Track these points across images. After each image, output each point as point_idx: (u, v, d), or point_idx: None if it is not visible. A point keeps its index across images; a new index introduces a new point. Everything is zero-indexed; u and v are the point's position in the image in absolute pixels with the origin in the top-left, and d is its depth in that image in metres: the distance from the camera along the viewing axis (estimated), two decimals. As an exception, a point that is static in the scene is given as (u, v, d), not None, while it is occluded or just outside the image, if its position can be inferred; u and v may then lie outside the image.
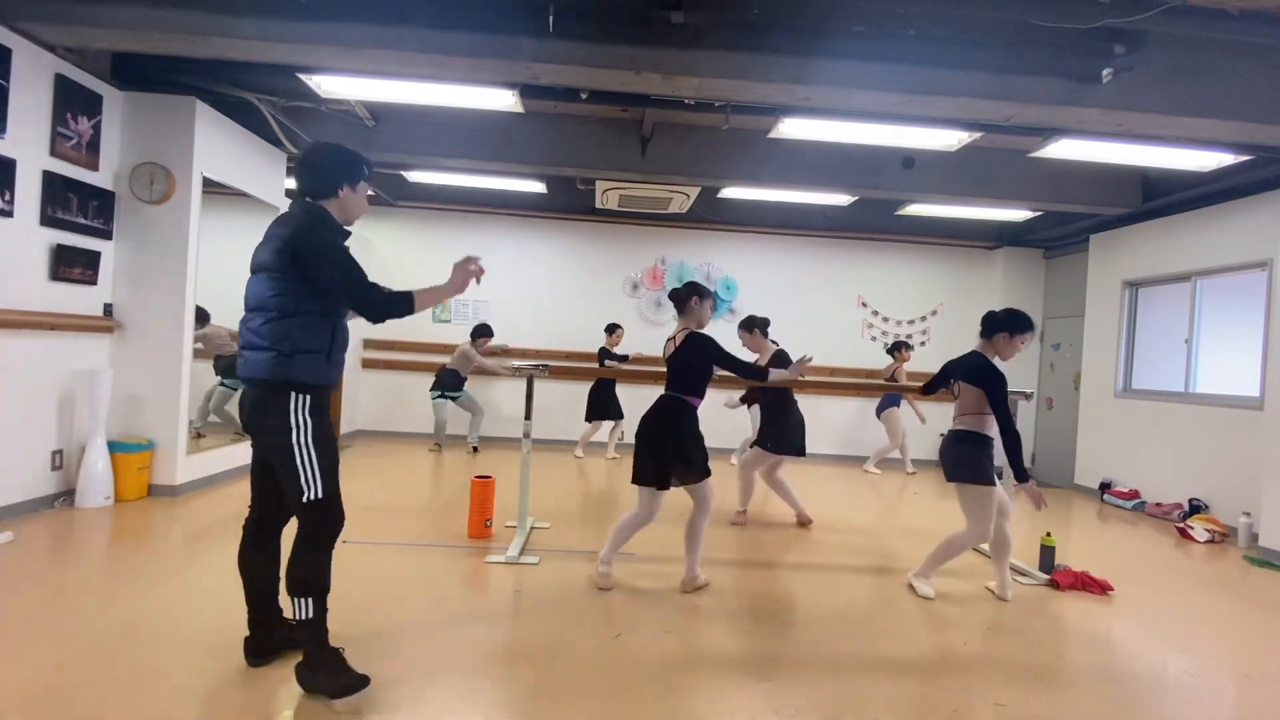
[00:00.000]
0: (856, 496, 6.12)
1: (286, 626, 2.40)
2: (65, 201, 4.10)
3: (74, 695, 2.12)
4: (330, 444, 2.28)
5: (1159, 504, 5.93)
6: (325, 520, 2.27)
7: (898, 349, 7.33)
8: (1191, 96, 3.95)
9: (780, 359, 4.73)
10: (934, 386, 3.76)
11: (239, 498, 4.73)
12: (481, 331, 7.28)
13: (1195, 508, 5.59)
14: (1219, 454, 5.52)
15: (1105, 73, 3.77)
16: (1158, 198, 6.08)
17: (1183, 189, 5.78)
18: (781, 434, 4.74)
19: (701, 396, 3.40)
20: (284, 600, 2.32)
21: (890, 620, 3.17)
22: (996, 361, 3.41)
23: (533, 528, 4.31)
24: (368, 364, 7.94)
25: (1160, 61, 3.89)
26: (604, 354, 7.13)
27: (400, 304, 2.31)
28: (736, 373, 3.41)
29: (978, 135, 4.70)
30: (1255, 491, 5.05)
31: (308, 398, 2.22)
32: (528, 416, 4.02)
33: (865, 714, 2.30)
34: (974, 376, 3.37)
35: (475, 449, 7.29)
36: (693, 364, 3.37)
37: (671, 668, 2.55)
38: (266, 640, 2.40)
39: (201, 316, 4.94)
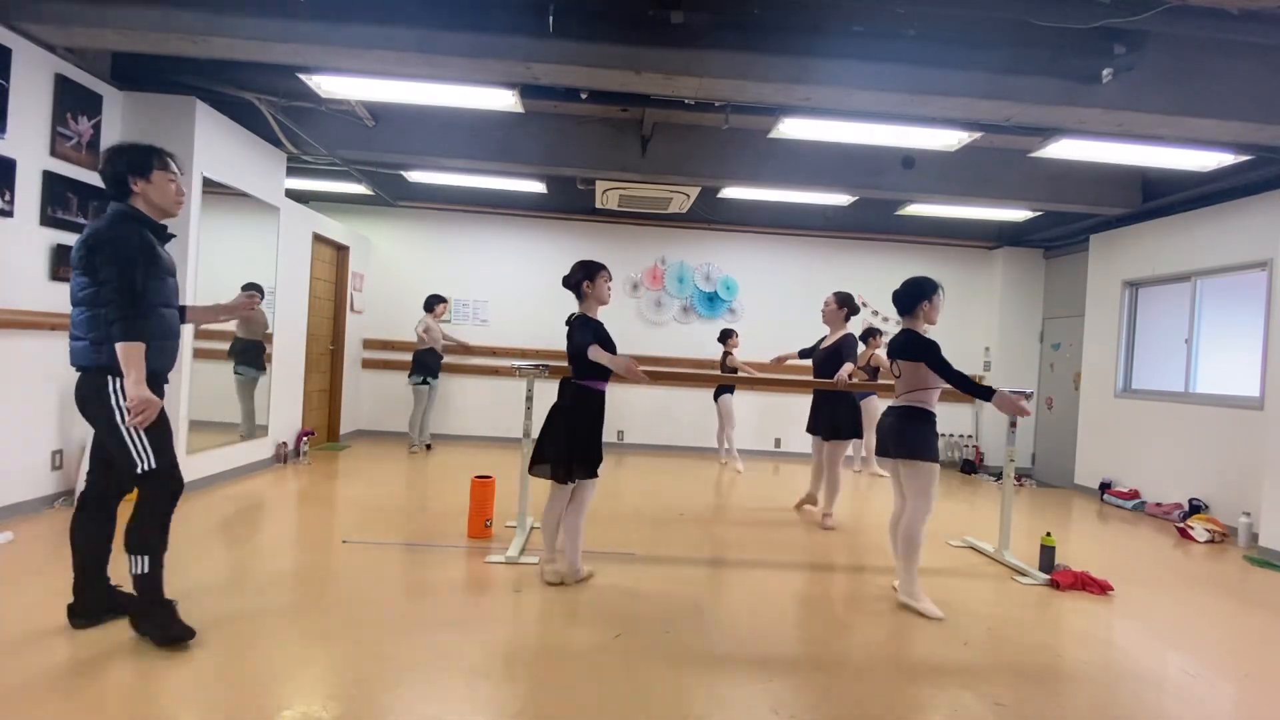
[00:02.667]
0: (856, 496, 6.12)
1: (114, 592, 2.62)
2: (65, 201, 4.11)
3: (74, 695, 2.12)
4: (159, 421, 2.43)
5: (1159, 504, 5.93)
6: (161, 487, 2.46)
7: (871, 335, 7.02)
8: (1191, 96, 3.96)
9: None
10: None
11: (239, 498, 4.74)
12: (438, 299, 7.18)
13: (1195, 508, 5.59)
14: (1219, 454, 5.52)
15: (1105, 73, 3.77)
16: (1158, 198, 6.08)
17: (1183, 189, 5.78)
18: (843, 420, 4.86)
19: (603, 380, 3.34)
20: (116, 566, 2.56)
21: (890, 620, 3.17)
22: (926, 329, 3.48)
23: (533, 528, 4.31)
24: (367, 364, 7.94)
25: (1160, 61, 3.89)
26: None
27: (123, 329, 2.34)
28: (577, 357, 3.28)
29: (978, 135, 4.70)
30: (1255, 491, 5.05)
31: (119, 380, 2.37)
32: (528, 416, 4.03)
33: (865, 714, 2.30)
34: (910, 351, 3.41)
35: (429, 446, 7.22)
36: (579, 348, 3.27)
37: (671, 668, 2.55)
38: (92, 604, 2.57)
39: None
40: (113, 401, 2.38)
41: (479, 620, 2.89)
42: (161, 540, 2.47)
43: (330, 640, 2.61)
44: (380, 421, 7.97)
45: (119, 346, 2.32)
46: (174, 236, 2.66)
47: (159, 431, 2.44)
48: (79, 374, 2.44)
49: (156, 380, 2.48)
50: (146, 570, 2.43)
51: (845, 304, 4.98)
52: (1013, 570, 4.01)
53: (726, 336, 7.32)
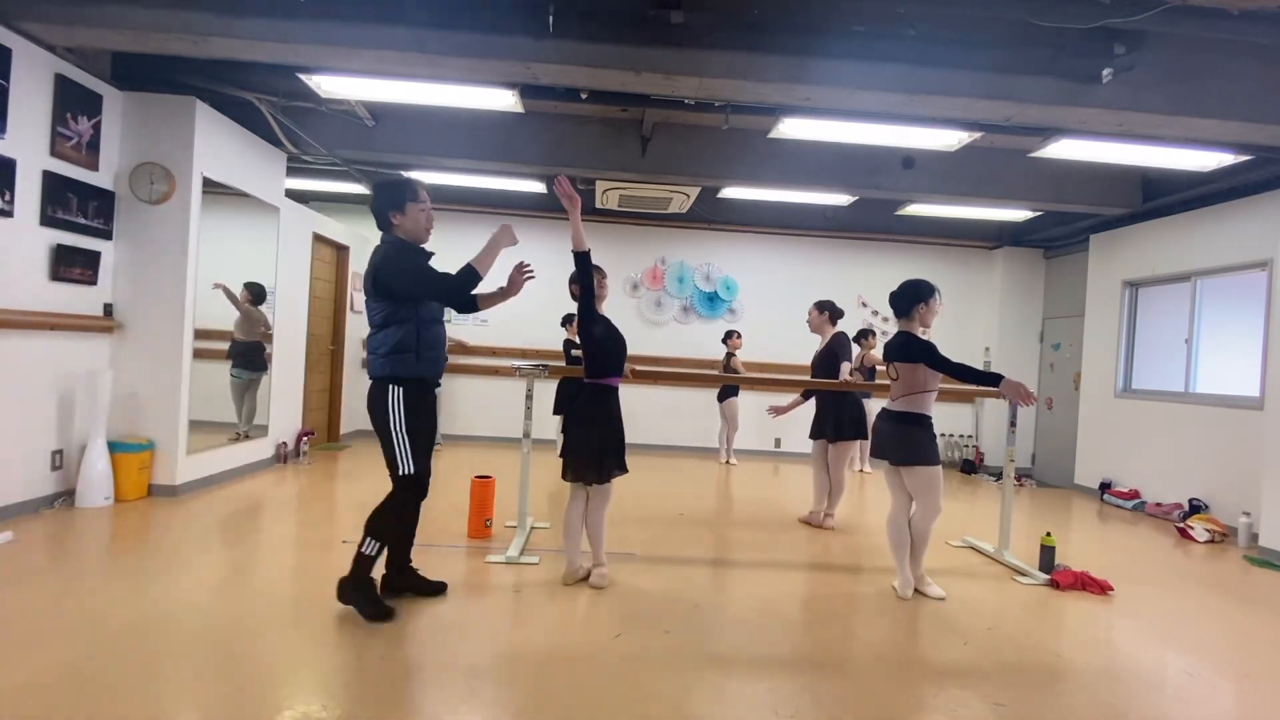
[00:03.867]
0: (856, 497, 6.12)
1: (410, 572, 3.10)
2: (65, 201, 4.10)
3: (75, 695, 2.11)
4: (424, 431, 2.86)
5: (1159, 504, 5.93)
6: (411, 491, 2.87)
7: (864, 336, 7.03)
8: (1191, 96, 3.95)
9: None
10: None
11: (239, 498, 4.74)
12: None
13: (1195, 508, 5.59)
14: (1219, 454, 5.52)
15: (1105, 73, 3.77)
16: (1158, 198, 6.08)
17: (1183, 189, 5.78)
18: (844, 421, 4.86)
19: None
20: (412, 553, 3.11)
21: (890, 620, 3.17)
22: (923, 332, 3.50)
23: (533, 528, 4.31)
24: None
25: (1160, 61, 3.89)
26: (570, 345, 6.83)
27: (467, 279, 2.81)
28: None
29: (978, 135, 4.70)
30: (1255, 491, 5.05)
31: (400, 390, 2.80)
32: (528, 416, 4.03)
33: (865, 714, 2.30)
34: (907, 353, 3.42)
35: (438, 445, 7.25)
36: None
37: (671, 668, 2.55)
38: (397, 580, 3.05)
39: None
40: (389, 408, 2.78)
41: (479, 620, 2.88)
42: (394, 532, 2.92)
43: (330, 640, 2.61)
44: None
45: (469, 271, 2.78)
46: (434, 254, 2.91)
47: (423, 442, 2.87)
48: (371, 383, 2.85)
49: (427, 387, 2.89)
50: (374, 553, 2.83)
51: (826, 309, 5.01)
52: (1013, 570, 4.00)
53: (729, 337, 7.32)
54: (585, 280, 3.21)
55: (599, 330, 3.28)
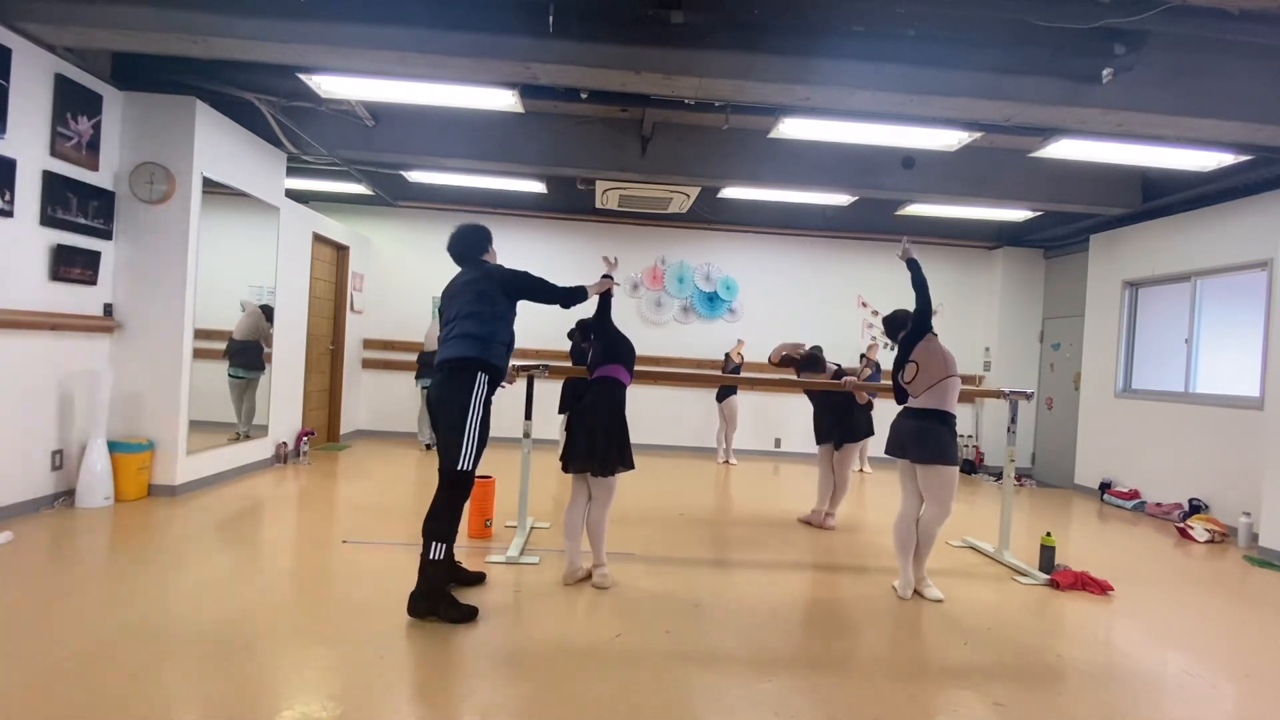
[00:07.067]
0: (855, 497, 6.11)
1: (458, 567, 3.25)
2: (65, 201, 4.10)
3: (75, 695, 2.11)
4: (488, 430, 2.99)
5: (1159, 504, 5.93)
6: (459, 488, 2.94)
7: (863, 358, 7.33)
8: (1191, 96, 3.95)
9: (837, 375, 4.90)
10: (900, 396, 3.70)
11: (239, 498, 4.74)
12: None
13: (1195, 508, 5.59)
14: (1219, 454, 5.52)
15: (1105, 73, 3.76)
16: (1158, 198, 6.08)
17: (1183, 189, 5.78)
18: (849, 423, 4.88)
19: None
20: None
21: (890, 620, 3.17)
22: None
23: (533, 527, 4.31)
24: (367, 364, 7.94)
25: (1160, 61, 3.89)
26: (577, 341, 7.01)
27: (577, 294, 3.25)
28: None
29: (978, 135, 4.70)
30: (1255, 491, 5.05)
31: (487, 379, 2.97)
32: (528, 416, 4.03)
33: (865, 714, 2.30)
34: (912, 331, 3.55)
35: (429, 446, 7.22)
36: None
37: (671, 668, 2.55)
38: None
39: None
40: (475, 394, 2.89)
41: (479, 620, 2.88)
42: (454, 528, 2.94)
43: (330, 640, 2.61)
44: (380, 422, 7.97)
45: (581, 291, 3.24)
46: None
47: (484, 442, 2.97)
48: (453, 364, 2.95)
49: (501, 377, 3.07)
50: (441, 556, 2.87)
51: (786, 362, 4.99)
52: (1013, 570, 4.00)
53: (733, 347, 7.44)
54: (604, 302, 3.61)
55: (611, 329, 3.56)
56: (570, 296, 3.24)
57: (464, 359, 2.93)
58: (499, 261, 3.27)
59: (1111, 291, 6.84)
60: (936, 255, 8.29)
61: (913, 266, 3.66)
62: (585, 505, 3.38)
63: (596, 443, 3.25)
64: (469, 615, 2.85)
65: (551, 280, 3.22)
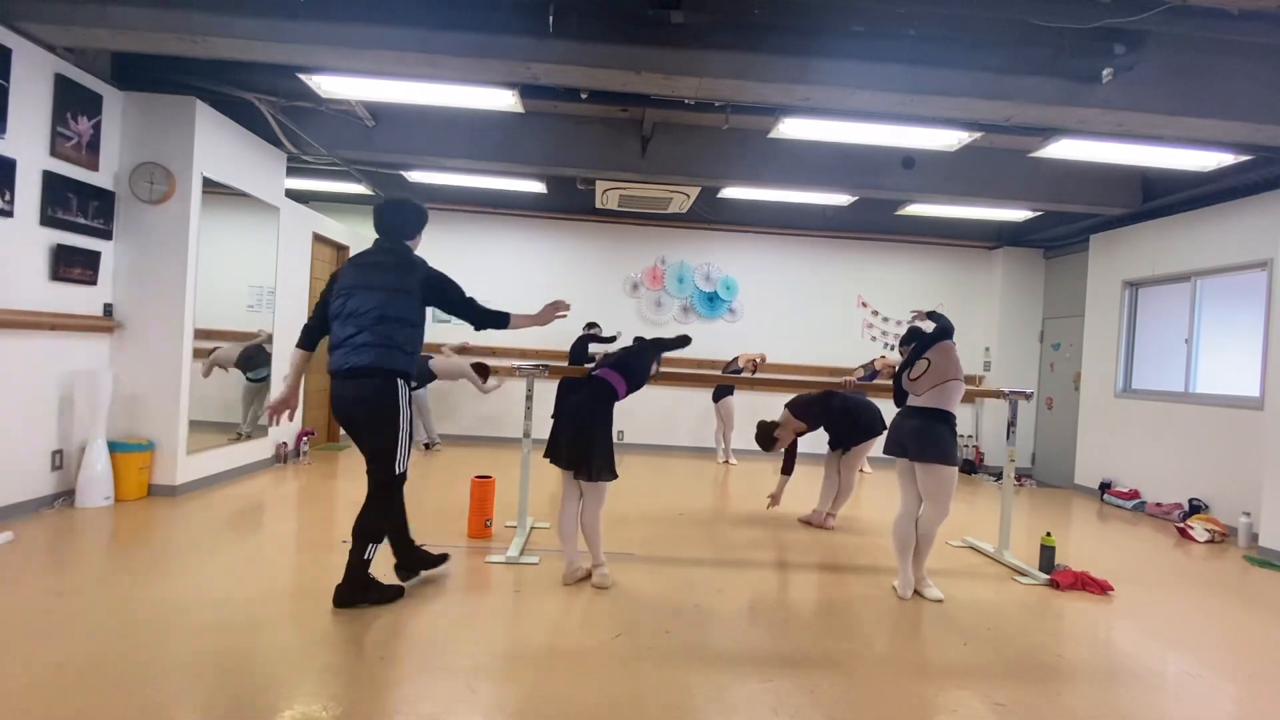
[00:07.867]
0: (855, 497, 6.11)
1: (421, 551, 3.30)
2: (65, 201, 4.10)
3: (75, 695, 2.12)
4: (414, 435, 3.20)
5: (1159, 504, 5.93)
6: (393, 489, 3.00)
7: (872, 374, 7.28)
8: (1191, 96, 3.95)
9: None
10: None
11: (239, 498, 4.74)
12: None
13: (1195, 508, 5.59)
14: (1219, 454, 5.52)
15: (1105, 73, 3.76)
16: (1158, 198, 6.08)
17: (1183, 189, 5.78)
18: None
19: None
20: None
21: (890, 620, 3.17)
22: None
23: (533, 528, 4.31)
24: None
25: (1160, 61, 3.89)
26: (582, 346, 7.01)
27: (496, 321, 3.23)
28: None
29: (978, 135, 4.70)
30: (1255, 491, 5.05)
31: (407, 387, 2.96)
32: (528, 417, 4.03)
33: (865, 714, 2.30)
34: (936, 332, 3.58)
35: (429, 445, 7.23)
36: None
37: (671, 668, 2.55)
38: (406, 562, 3.22)
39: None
40: (401, 403, 2.88)
41: (479, 620, 2.88)
42: (389, 526, 3.05)
43: (330, 640, 2.61)
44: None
45: (504, 319, 3.16)
46: None
47: (412, 443, 3.01)
48: (373, 376, 2.86)
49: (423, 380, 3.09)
50: (372, 556, 2.91)
51: (801, 418, 5.04)
52: (1013, 570, 4.01)
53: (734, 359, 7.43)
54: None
55: (649, 359, 3.66)
56: (489, 321, 3.11)
57: (388, 370, 2.84)
58: (421, 253, 3.10)
59: (1111, 291, 6.84)
60: (936, 255, 8.28)
61: (935, 318, 3.72)
62: (577, 504, 3.38)
63: (579, 443, 3.24)
64: (395, 595, 2.96)
65: (473, 297, 3.13)
